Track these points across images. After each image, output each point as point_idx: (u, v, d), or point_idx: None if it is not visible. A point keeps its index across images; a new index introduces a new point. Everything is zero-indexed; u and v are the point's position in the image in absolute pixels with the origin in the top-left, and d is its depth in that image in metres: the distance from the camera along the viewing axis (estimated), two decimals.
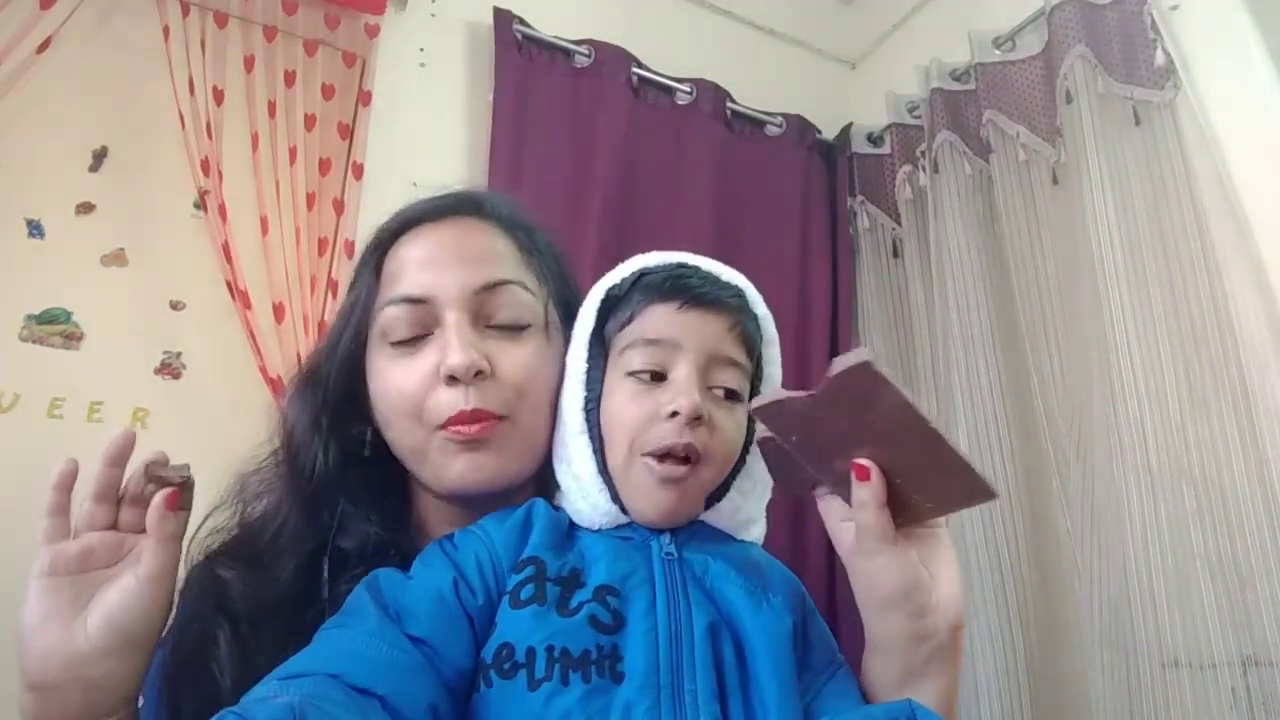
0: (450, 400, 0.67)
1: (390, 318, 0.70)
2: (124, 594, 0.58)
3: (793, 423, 0.59)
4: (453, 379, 0.67)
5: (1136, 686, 1.43)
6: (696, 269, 0.70)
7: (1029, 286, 1.83)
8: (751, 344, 0.69)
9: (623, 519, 0.65)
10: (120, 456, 0.61)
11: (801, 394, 0.56)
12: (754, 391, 0.70)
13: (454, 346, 0.67)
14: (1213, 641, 1.39)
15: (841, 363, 0.54)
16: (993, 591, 1.69)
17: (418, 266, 0.71)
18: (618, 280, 0.71)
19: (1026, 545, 1.71)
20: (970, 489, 0.57)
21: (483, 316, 0.70)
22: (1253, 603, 1.37)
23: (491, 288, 0.70)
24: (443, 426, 0.67)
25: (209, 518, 0.72)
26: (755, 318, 0.71)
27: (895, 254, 2.21)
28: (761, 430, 0.62)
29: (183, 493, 0.61)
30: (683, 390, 0.63)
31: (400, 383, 0.69)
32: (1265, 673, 1.34)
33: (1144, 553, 1.46)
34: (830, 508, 0.64)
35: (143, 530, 0.60)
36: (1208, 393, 1.49)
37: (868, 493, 0.57)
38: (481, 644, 0.57)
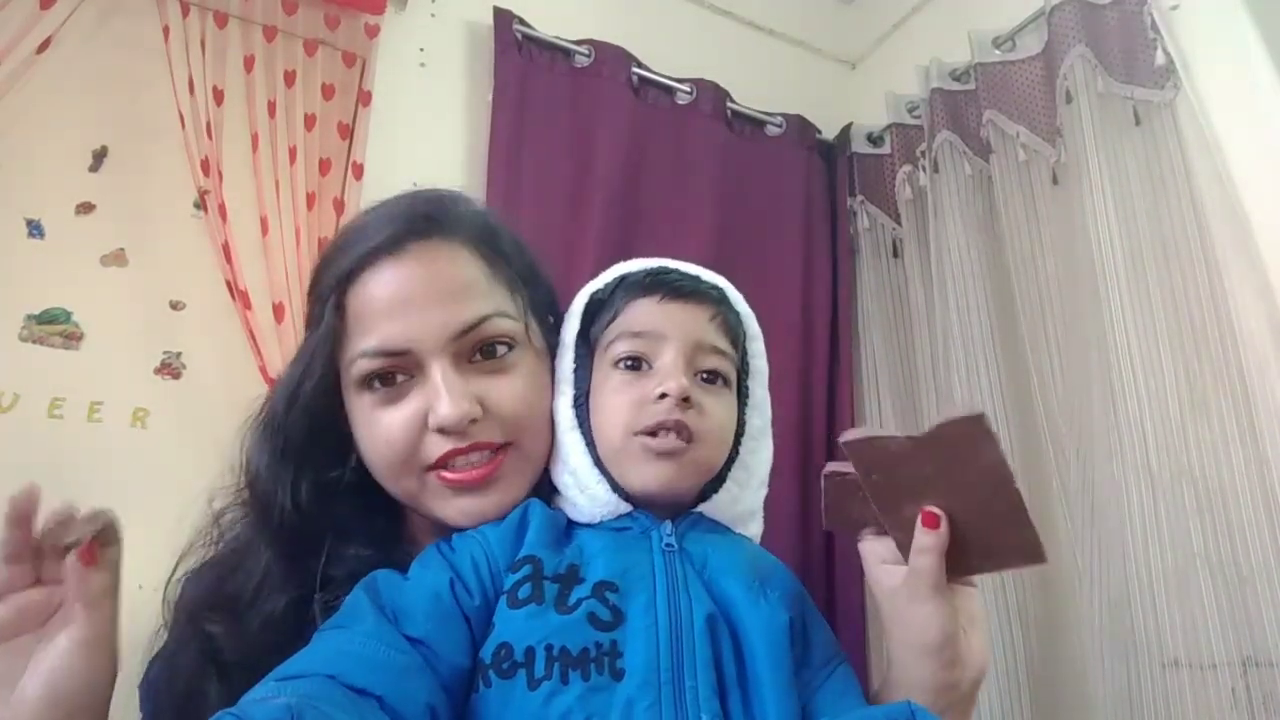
0: (440, 445, 0.66)
1: (366, 369, 0.67)
2: (62, 659, 0.54)
3: (880, 461, 0.59)
4: (444, 430, 0.65)
5: (1137, 687, 1.43)
6: (677, 269, 0.73)
7: (1029, 286, 1.83)
8: (735, 334, 0.71)
9: (623, 508, 0.65)
10: (24, 516, 0.56)
11: (899, 435, 0.58)
12: (741, 385, 0.72)
13: (444, 398, 0.65)
14: (1213, 641, 1.39)
15: (953, 411, 0.56)
16: (992, 592, 1.69)
17: (387, 313, 0.67)
18: (601, 285, 0.73)
19: None
20: (1026, 551, 0.58)
21: (465, 353, 0.68)
22: (1253, 603, 1.37)
23: (470, 330, 0.68)
24: (433, 467, 0.66)
25: (181, 559, 0.72)
26: (737, 313, 0.73)
27: (895, 254, 2.21)
28: (834, 465, 0.63)
29: (102, 539, 0.57)
30: (669, 374, 0.65)
31: (388, 434, 0.67)
32: (1265, 673, 1.33)
33: (1144, 553, 1.46)
34: (873, 549, 0.64)
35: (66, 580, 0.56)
36: (1208, 392, 1.49)
37: (932, 540, 0.58)
38: (479, 644, 0.57)
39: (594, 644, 0.55)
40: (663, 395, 0.64)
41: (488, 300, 0.70)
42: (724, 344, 0.69)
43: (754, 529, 0.72)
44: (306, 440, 0.70)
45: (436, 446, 0.66)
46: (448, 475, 0.66)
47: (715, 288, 0.73)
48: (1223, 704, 1.35)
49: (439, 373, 0.66)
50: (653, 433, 0.64)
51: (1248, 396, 1.45)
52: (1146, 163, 1.65)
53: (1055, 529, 1.69)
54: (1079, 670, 1.56)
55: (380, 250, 0.69)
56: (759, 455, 0.72)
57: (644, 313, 0.69)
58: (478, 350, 0.69)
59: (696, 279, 0.72)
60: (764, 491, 0.73)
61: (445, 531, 0.67)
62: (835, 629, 0.67)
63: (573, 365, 0.71)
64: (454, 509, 0.67)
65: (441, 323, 0.67)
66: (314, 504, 0.69)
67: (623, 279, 0.72)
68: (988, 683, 1.64)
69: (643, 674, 0.54)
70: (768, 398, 0.74)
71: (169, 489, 1.47)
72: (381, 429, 0.67)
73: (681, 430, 0.64)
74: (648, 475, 0.64)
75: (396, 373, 0.67)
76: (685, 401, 0.64)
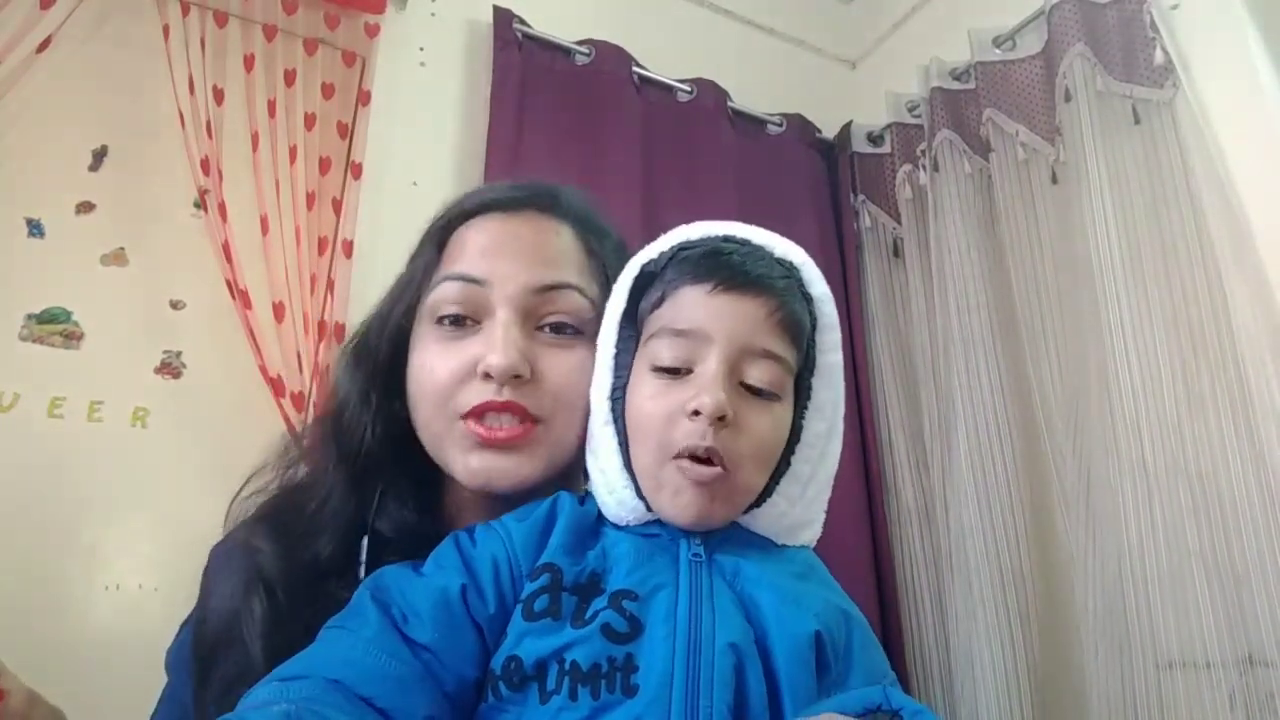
0: (480, 393, 0.66)
1: (442, 294, 0.69)
2: None
3: None
4: (489, 377, 0.66)
5: (1132, 686, 1.43)
6: (745, 241, 0.64)
7: (1028, 285, 1.83)
8: (799, 330, 0.62)
9: (649, 515, 0.61)
10: None
11: None
12: (801, 386, 0.63)
13: (498, 346, 0.65)
14: (1207, 641, 1.39)
15: None
16: (992, 590, 1.69)
17: (481, 251, 0.70)
18: (655, 255, 0.66)
19: (1027, 544, 1.71)
20: None
21: (534, 317, 0.69)
22: (1248, 602, 1.37)
23: (550, 289, 0.69)
24: (465, 416, 0.66)
25: (251, 479, 0.73)
26: (809, 299, 0.64)
27: (895, 253, 2.22)
28: None
29: None
30: (706, 387, 0.58)
31: (436, 367, 0.68)
32: (1261, 672, 1.33)
33: (1139, 551, 1.46)
34: None
35: None
36: (1205, 391, 1.49)
37: None
38: (492, 650, 0.55)
39: (607, 659, 0.52)
40: (696, 412, 0.58)
41: (575, 276, 0.71)
42: (779, 346, 0.61)
43: (806, 536, 0.65)
44: (390, 369, 0.72)
45: (475, 393, 0.66)
46: (476, 427, 0.66)
47: (785, 272, 0.63)
48: (1218, 704, 1.35)
49: (502, 322, 0.67)
50: (688, 455, 0.58)
51: (1245, 394, 1.45)
52: (1145, 161, 1.65)
53: (1056, 528, 1.69)
54: (1077, 669, 1.57)
55: (496, 204, 0.73)
56: (821, 464, 0.64)
57: (691, 306, 0.61)
58: (547, 324, 0.69)
59: (763, 258, 0.63)
60: (826, 495, 0.66)
61: (485, 511, 0.66)
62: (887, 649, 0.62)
63: (614, 350, 0.65)
64: (466, 462, 0.66)
65: (525, 275, 0.68)
66: (385, 440, 0.70)
67: (678, 251, 0.64)
68: (987, 682, 1.65)
69: (655, 690, 0.51)
70: (839, 397, 0.65)
71: (169, 489, 1.48)
72: (432, 359, 0.68)
73: (713, 456, 0.58)
74: (677, 509, 0.59)
75: (466, 317, 0.68)
76: (721, 420, 0.57)
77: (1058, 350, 1.76)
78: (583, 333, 0.69)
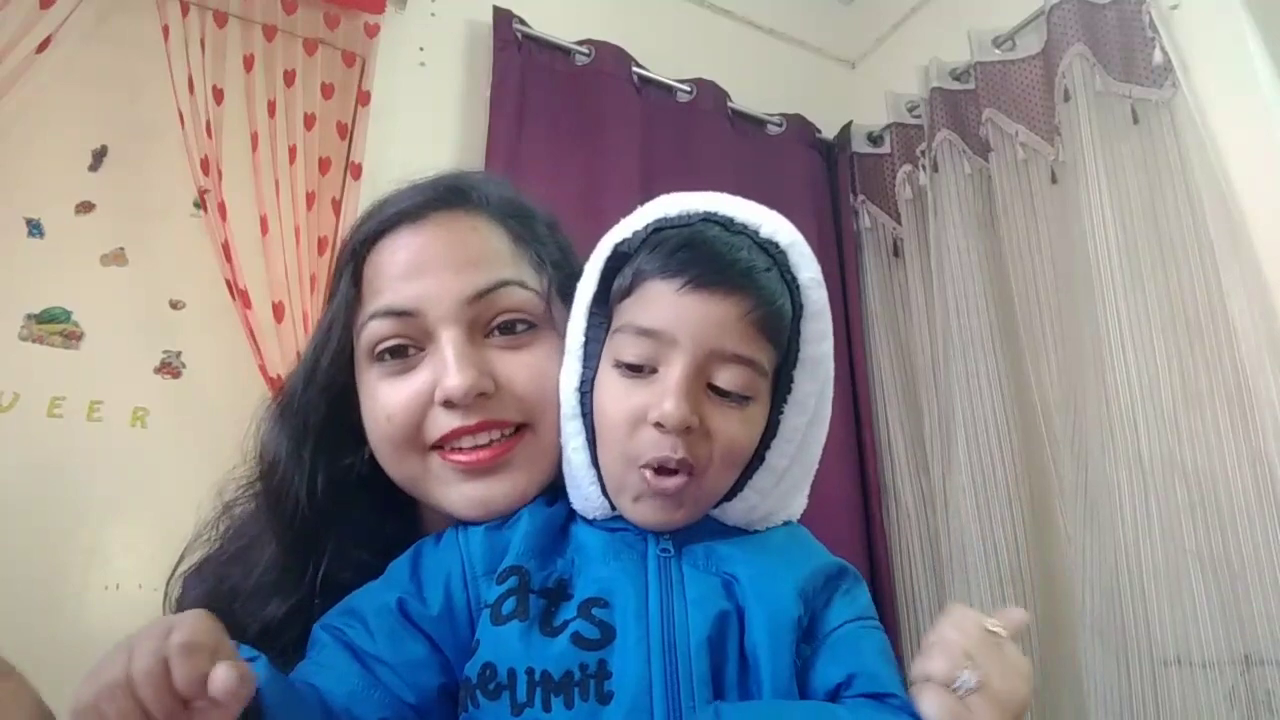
0: (446, 421, 0.62)
1: (375, 333, 0.63)
2: None
3: None
4: (450, 404, 0.61)
5: (1129, 684, 1.43)
6: (728, 221, 0.59)
7: (1027, 284, 1.83)
8: (777, 327, 0.58)
9: (615, 511, 0.59)
10: None
11: None
12: (781, 378, 0.60)
13: (451, 368, 0.61)
14: (1204, 638, 1.39)
15: None
16: (991, 591, 1.69)
17: (402, 275, 0.64)
18: (628, 234, 0.61)
19: (1027, 542, 1.71)
20: None
21: (480, 325, 0.64)
22: (1245, 599, 1.37)
23: (486, 294, 0.63)
24: (437, 446, 0.62)
25: (186, 553, 0.70)
26: (793, 288, 0.59)
27: (895, 253, 2.22)
28: None
29: None
30: (669, 394, 0.55)
31: (391, 406, 0.62)
32: (1258, 670, 1.33)
33: (1135, 548, 1.46)
34: None
35: None
36: (1201, 388, 1.50)
37: None
38: (450, 655, 0.54)
39: (579, 666, 0.51)
40: (660, 423, 0.55)
41: (508, 270, 0.65)
42: (752, 349, 0.57)
43: (783, 518, 0.64)
44: (324, 422, 0.66)
45: (442, 423, 0.61)
46: (453, 456, 0.62)
47: (768, 258, 0.58)
48: (1213, 701, 1.35)
49: (449, 342, 0.62)
50: (652, 466, 0.56)
51: (1241, 392, 1.45)
52: (1144, 161, 1.65)
53: (1055, 526, 1.69)
54: (1076, 668, 1.57)
55: (401, 217, 0.66)
56: (800, 458, 0.62)
57: (658, 304, 0.56)
58: (495, 327, 0.64)
59: (741, 245, 0.58)
60: (808, 481, 0.64)
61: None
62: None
63: (583, 338, 0.61)
64: (458, 495, 0.62)
65: (456, 287, 0.63)
66: (328, 497, 0.65)
67: (652, 234, 0.59)
68: None
69: (633, 697, 0.50)
70: (825, 388, 0.62)
71: (169, 489, 1.48)
72: (383, 402, 0.63)
73: (681, 466, 0.56)
74: (641, 516, 0.58)
75: (408, 345, 0.63)
76: (686, 431, 0.55)
77: (1056, 349, 1.76)
78: (536, 326, 0.65)
